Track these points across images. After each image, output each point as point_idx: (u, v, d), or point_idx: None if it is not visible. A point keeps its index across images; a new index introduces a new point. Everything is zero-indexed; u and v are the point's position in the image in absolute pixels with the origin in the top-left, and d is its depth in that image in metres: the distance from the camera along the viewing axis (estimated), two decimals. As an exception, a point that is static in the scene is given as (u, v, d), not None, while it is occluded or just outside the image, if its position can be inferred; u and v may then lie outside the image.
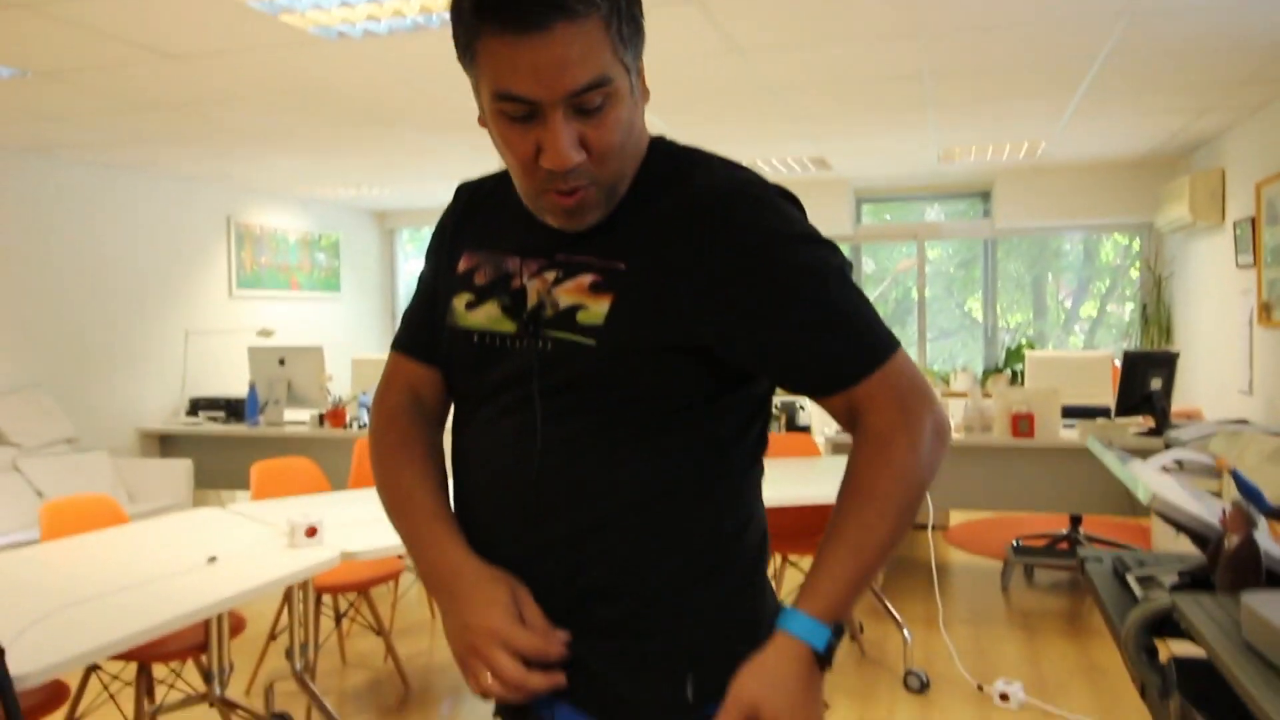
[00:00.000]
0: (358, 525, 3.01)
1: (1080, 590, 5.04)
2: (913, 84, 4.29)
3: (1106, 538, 5.55)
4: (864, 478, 1.00)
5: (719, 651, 1.02)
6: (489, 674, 1.00)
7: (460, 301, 1.12)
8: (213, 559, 2.58)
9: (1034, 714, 3.46)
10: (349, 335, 8.20)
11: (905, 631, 3.89)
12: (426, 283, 1.23)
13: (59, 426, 5.30)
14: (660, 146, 1.09)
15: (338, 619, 4.01)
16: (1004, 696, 3.56)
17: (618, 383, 1.01)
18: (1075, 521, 5.44)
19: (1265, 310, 4.82)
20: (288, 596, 3.10)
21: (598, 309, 1.01)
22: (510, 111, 0.96)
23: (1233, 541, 1.08)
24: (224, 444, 5.80)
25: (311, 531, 2.74)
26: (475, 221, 1.18)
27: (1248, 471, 3.42)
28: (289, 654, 2.95)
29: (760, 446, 1.12)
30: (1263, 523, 1.05)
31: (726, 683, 0.98)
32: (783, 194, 1.06)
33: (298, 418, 5.89)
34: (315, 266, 7.86)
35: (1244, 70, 4.11)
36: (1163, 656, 1.12)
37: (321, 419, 5.67)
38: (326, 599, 3.88)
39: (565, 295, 1.03)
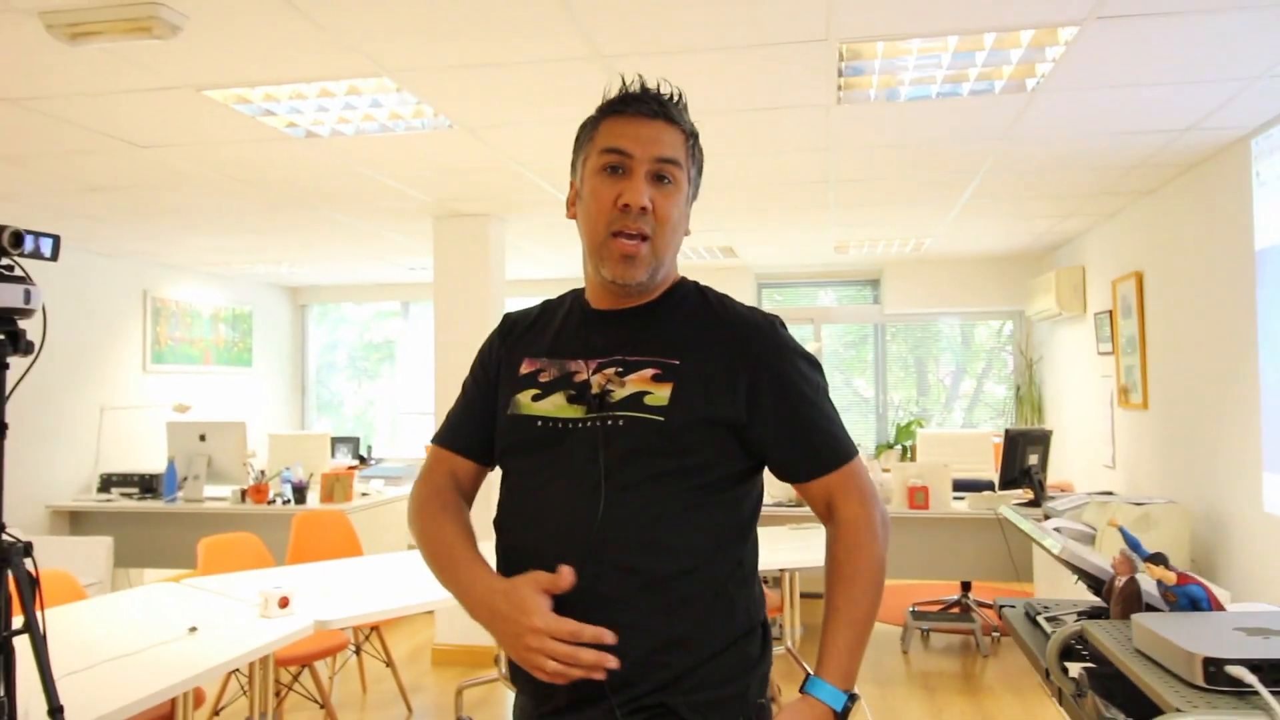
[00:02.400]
0: (319, 595, 3.16)
1: (972, 651, 5.46)
2: (820, 189, 4.78)
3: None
4: (846, 566, 1.33)
5: (756, 695, 1.31)
6: (549, 661, 1.22)
7: (526, 395, 1.39)
8: (193, 629, 2.70)
9: (940, 762, 3.80)
10: (261, 410, 8.17)
11: (821, 690, 4.19)
12: (470, 391, 1.51)
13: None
14: (688, 280, 1.46)
15: (278, 691, 4.06)
16: (912, 747, 3.89)
17: (677, 452, 1.28)
18: (965, 587, 5.89)
19: (1124, 393, 5.43)
20: (239, 670, 3.19)
21: (661, 394, 1.31)
22: (609, 162, 1.33)
23: (1120, 581, 1.44)
24: (141, 521, 5.74)
25: (284, 602, 2.88)
26: (526, 338, 1.48)
27: (1115, 535, 3.89)
28: (248, 725, 3.04)
29: (756, 532, 1.42)
30: (1141, 565, 1.41)
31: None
32: (780, 322, 1.43)
33: (217, 494, 5.89)
34: (228, 341, 7.87)
35: (1099, 185, 4.74)
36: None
37: (243, 495, 5.70)
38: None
39: (631, 384, 1.32)
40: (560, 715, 1.30)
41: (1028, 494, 5.33)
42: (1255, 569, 3.78)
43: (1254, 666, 1.09)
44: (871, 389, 8.63)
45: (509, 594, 1.26)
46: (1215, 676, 1.09)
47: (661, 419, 1.29)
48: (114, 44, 2.61)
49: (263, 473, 5.85)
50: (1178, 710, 1.02)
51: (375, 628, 4.55)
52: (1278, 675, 1.09)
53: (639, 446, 1.29)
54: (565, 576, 1.24)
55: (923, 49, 2.90)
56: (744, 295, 8.10)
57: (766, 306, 8.47)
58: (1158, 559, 1.41)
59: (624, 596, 1.26)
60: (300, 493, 5.70)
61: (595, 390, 1.33)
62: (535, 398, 1.38)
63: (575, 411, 1.33)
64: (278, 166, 4.09)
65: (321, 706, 3.84)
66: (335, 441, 7.75)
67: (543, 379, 1.39)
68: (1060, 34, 2.78)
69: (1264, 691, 1.06)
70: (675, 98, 1.37)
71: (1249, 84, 3.18)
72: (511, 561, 1.36)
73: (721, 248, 6.80)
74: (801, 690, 1.29)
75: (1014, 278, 7.60)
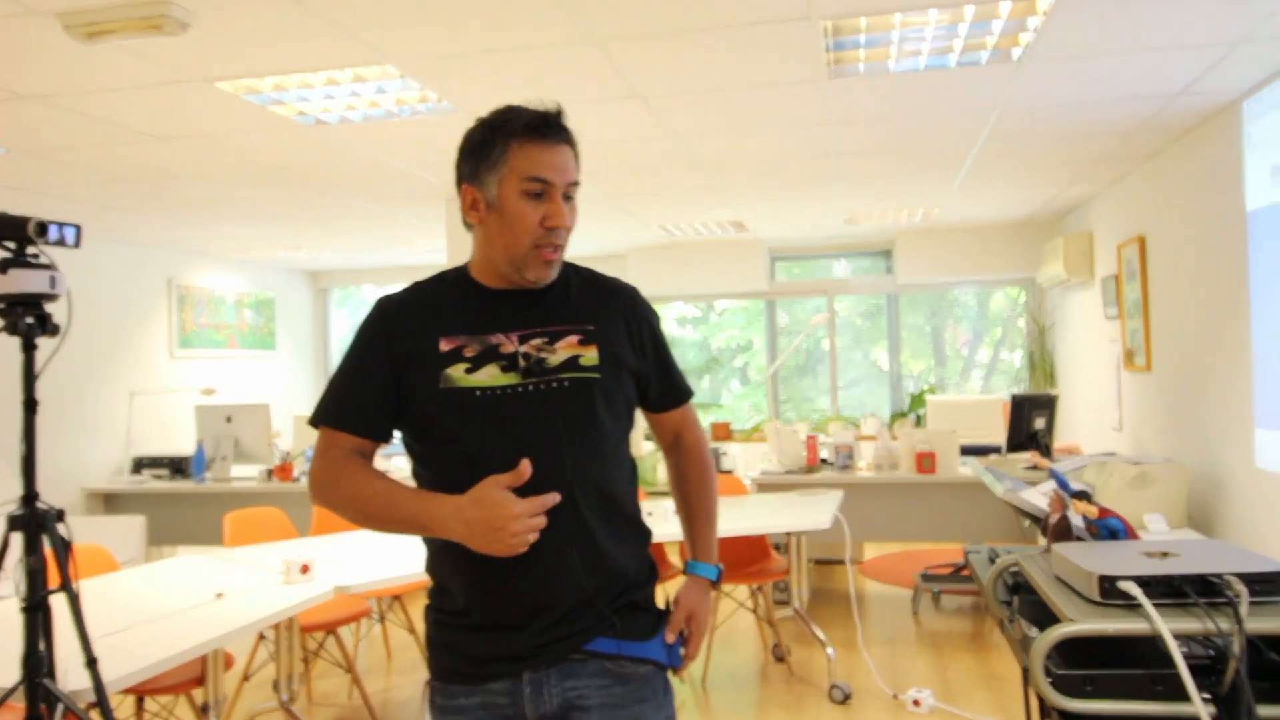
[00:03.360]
0: (341, 564, 3.32)
1: (981, 612, 5.56)
2: (823, 162, 4.85)
3: (1003, 564, 6.11)
4: (698, 479, 1.74)
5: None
6: (529, 535, 1.41)
7: (458, 370, 1.51)
8: (220, 595, 2.87)
9: (943, 716, 3.92)
10: (285, 392, 8.37)
11: (829, 650, 4.32)
12: (362, 372, 1.57)
13: (8, 487, 5.40)
14: (570, 263, 1.66)
15: (305, 658, 4.24)
16: (916, 703, 4.01)
17: (613, 402, 1.55)
18: (975, 550, 5.99)
19: (1129, 356, 5.49)
20: (264, 635, 3.37)
21: (590, 355, 1.54)
22: (532, 190, 1.50)
23: (1054, 518, 1.55)
24: (172, 500, 5.95)
25: (305, 569, 3.04)
26: (420, 318, 1.57)
27: (1112, 494, 3.98)
28: (276, 686, 3.21)
29: None
30: (1070, 502, 1.52)
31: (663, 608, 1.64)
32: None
33: (244, 473, 6.08)
34: (252, 326, 8.07)
35: (1098, 151, 4.79)
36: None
37: (269, 474, 5.89)
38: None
39: (562, 350, 1.54)
40: (558, 626, 1.49)
41: (1035, 456, 5.41)
42: (1249, 523, 3.86)
43: (1142, 582, 1.21)
44: (888, 359, 8.69)
45: (478, 500, 1.42)
46: (1109, 592, 1.21)
47: (599, 375, 1.54)
48: (128, 41, 2.75)
49: (288, 452, 6.04)
50: (1070, 620, 1.13)
51: (398, 597, 4.72)
52: (1163, 589, 1.21)
53: (586, 401, 1.52)
54: (525, 469, 1.43)
55: (905, 22, 2.97)
56: (757, 269, 8.22)
57: (780, 279, 8.60)
58: (1082, 496, 1.52)
59: (597, 525, 1.52)
60: (324, 470, 5.87)
61: (532, 359, 1.52)
62: (468, 370, 1.51)
63: (510, 379, 1.50)
64: (290, 154, 4.23)
65: (347, 671, 4.01)
66: (359, 421, 7.93)
67: (468, 353, 1.52)
68: (1038, 3, 2.85)
69: (1146, 602, 1.18)
70: (561, 113, 1.56)
71: (1233, 48, 3.23)
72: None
73: (732, 222, 6.88)
74: (685, 573, 1.70)
75: (1024, 245, 7.63)
